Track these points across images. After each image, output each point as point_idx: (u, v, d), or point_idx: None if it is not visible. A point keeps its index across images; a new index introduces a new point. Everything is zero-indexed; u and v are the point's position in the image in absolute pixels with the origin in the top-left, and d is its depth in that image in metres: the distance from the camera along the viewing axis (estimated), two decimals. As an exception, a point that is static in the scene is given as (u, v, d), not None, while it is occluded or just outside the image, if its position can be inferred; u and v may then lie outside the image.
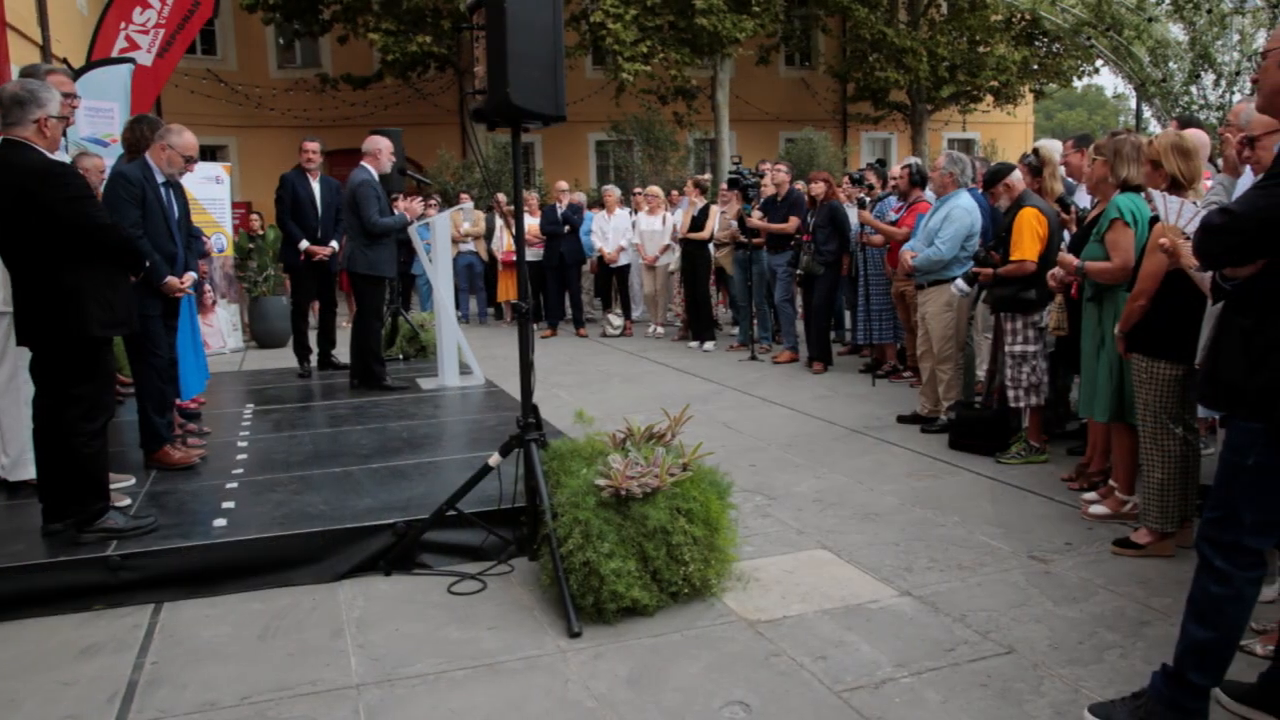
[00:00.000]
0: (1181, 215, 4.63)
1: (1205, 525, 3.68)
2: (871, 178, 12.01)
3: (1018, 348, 7.60)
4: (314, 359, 11.80)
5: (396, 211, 10.74)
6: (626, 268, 16.80)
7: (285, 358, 12.69)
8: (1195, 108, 20.87)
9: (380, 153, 10.23)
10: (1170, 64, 21.70)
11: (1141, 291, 5.56)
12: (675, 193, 17.64)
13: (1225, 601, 3.60)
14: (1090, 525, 6.31)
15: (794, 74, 36.22)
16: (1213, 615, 3.62)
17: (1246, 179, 5.08)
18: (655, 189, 16.69)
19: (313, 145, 11.39)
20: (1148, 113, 23.25)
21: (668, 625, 4.93)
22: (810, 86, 35.48)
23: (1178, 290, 5.35)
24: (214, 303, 15.16)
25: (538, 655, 4.66)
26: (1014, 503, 6.83)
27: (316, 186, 11.42)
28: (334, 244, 11.40)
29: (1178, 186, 5.49)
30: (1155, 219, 5.61)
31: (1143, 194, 6.05)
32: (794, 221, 12.46)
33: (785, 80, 35.89)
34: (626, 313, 17.00)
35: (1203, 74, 21.17)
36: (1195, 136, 5.83)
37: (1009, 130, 37.19)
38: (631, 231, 16.30)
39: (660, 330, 16.21)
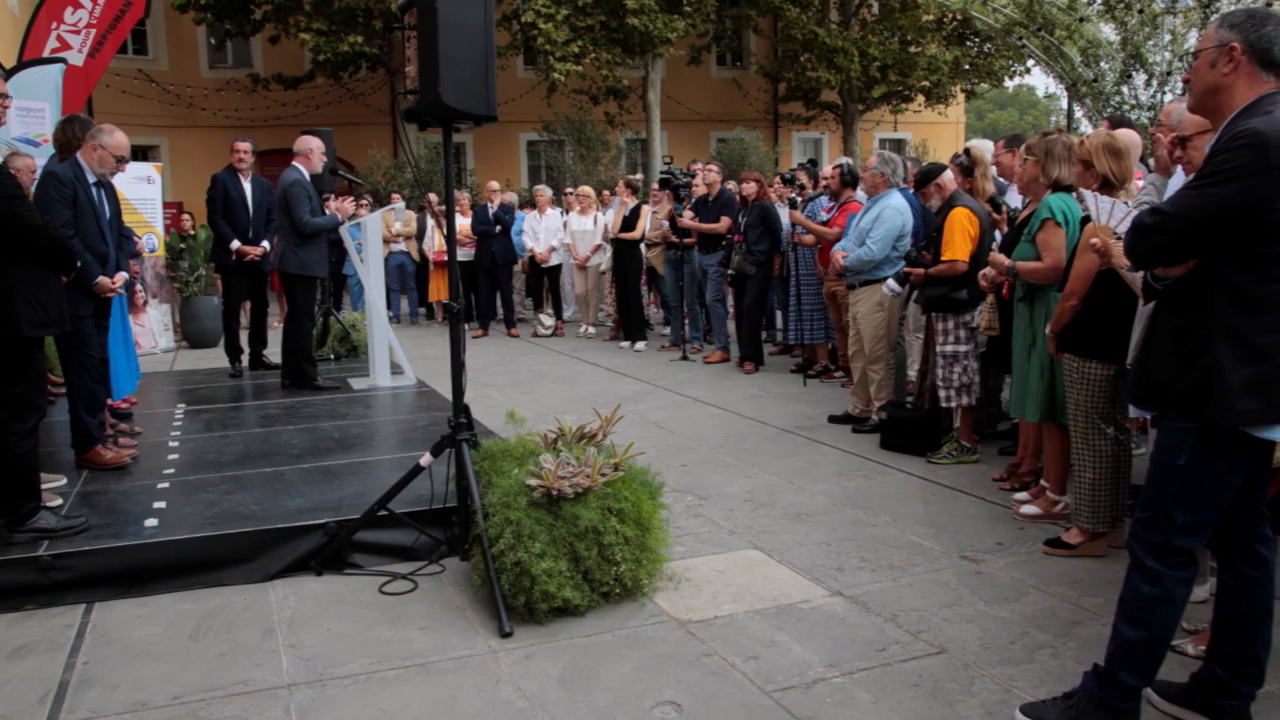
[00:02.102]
0: (1113, 215, 4.63)
1: (1136, 525, 3.68)
2: (803, 178, 12.02)
3: (949, 348, 7.61)
4: (245, 359, 11.70)
5: (328, 211, 10.65)
6: (558, 268, 16.77)
7: (216, 358, 12.59)
8: (1127, 108, 21.08)
9: (311, 153, 10.15)
10: (1102, 64, 21.91)
11: (1073, 291, 5.57)
12: (607, 193, 17.62)
13: (1156, 601, 3.60)
14: (1021, 525, 6.33)
15: (725, 74, 36.36)
16: (1144, 615, 3.62)
17: (1178, 179, 5.10)
18: (587, 189, 16.65)
19: (244, 145, 11.31)
20: (1079, 113, 23.47)
21: (599, 625, 4.91)
22: (742, 86, 35.61)
23: (1109, 290, 5.36)
24: (145, 303, 15.00)
25: (469, 655, 4.63)
26: (945, 503, 6.84)
27: (248, 186, 11.33)
28: (265, 244, 11.30)
29: (1109, 186, 5.51)
30: (1086, 219, 5.63)
31: (1074, 194, 6.08)
32: (725, 221, 12.46)
33: (717, 80, 36.01)
34: (558, 313, 16.97)
35: (1134, 74, 21.38)
36: (1127, 136, 5.86)
37: (940, 130, 37.51)
38: (563, 231, 16.27)
39: (592, 330, 16.18)
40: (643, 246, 14.47)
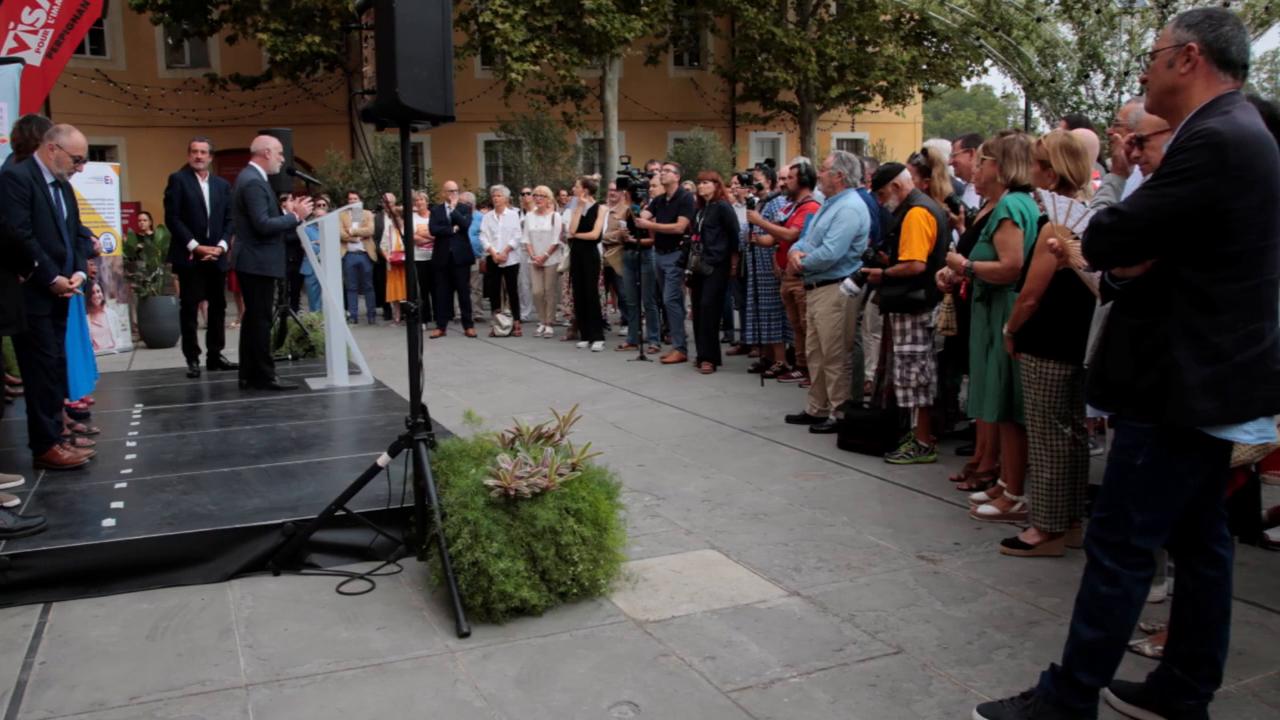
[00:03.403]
0: (1070, 215, 4.63)
1: (1094, 525, 3.68)
2: (760, 178, 12.02)
3: (906, 348, 7.62)
4: (203, 359, 11.66)
5: (285, 211, 10.59)
6: (515, 268, 16.75)
7: (174, 358, 12.53)
8: (1084, 108, 21.21)
9: (269, 153, 10.12)
10: (1059, 64, 22.04)
11: (1030, 291, 5.58)
12: (565, 193, 17.60)
13: (1114, 601, 3.60)
14: (979, 525, 6.34)
15: (683, 74, 36.36)
16: (1101, 615, 3.62)
17: (1135, 179, 5.11)
18: (544, 189, 16.65)
19: (202, 145, 11.24)
20: (1037, 113, 23.60)
21: (556, 625, 4.90)
22: (699, 87, 35.61)
23: (1067, 290, 5.38)
24: (103, 303, 14.92)
25: (426, 655, 4.62)
26: (903, 503, 6.85)
27: (205, 186, 11.23)
28: (223, 244, 11.22)
29: (1066, 186, 5.52)
30: (1044, 219, 5.63)
31: (1031, 194, 6.09)
32: (683, 221, 12.44)
33: (674, 80, 36.01)
34: (515, 313, 16.93)
35: (1091, 74, 21.52)
36: (1084, 136, 5.86)
37: (898, 130, 37.68)
38: (520, 231, 16.24)
39: (549, 330, 16.16)
40: (600, 246, 14.45)
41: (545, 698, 4.18)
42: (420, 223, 16.44)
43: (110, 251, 15.15)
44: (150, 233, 16.55)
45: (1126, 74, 20.57)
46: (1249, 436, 3.49)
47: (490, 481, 5.02)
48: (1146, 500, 3.54)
